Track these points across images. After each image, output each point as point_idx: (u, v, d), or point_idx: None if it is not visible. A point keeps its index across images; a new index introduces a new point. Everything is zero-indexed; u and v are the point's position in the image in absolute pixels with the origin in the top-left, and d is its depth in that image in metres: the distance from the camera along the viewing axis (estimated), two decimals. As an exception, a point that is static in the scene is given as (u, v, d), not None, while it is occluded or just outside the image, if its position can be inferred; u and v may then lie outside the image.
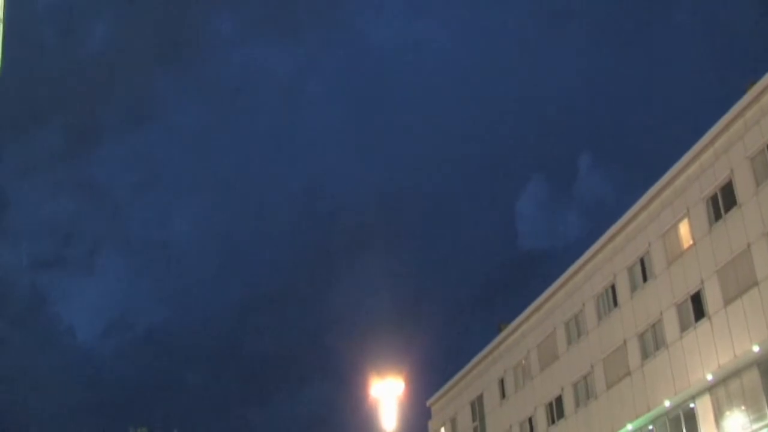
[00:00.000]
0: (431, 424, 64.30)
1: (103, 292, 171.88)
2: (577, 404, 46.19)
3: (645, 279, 41.58)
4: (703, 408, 36.93)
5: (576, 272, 47.34)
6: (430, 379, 65.49)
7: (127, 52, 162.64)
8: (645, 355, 40.86)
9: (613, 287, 44.02)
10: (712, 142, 37.61)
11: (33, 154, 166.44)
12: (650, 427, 40.44)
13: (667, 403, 38.72)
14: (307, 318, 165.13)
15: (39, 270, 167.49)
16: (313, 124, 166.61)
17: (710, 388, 36.52)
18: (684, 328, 38.28)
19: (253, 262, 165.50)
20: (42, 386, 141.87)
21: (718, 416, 36.04)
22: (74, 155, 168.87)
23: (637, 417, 40.76)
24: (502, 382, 54.77)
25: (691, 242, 38.58)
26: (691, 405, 37.71)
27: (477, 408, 57.77)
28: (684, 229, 39.28)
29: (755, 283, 34.24)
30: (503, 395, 54.51)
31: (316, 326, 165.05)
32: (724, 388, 35.87)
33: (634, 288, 42.35)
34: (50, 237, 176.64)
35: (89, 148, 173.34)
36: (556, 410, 48.36)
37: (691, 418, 37.79)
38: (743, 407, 34.74)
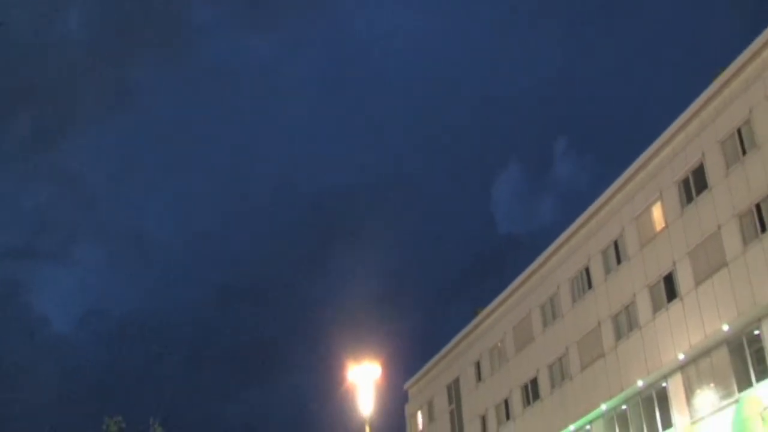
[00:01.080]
0: (408, 408, 64.93)
1: (78, 282, 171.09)
2: (553, 386, 46.91)
3: (619, 261, 42.29)
4: (675, 387, 37.71)
5: (551, 255, 48.03)
6: (407, 363, 66.19)
7: (103, 39, 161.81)
8: (618, 336, 41.58)
9: (587, 270, 44.71)
10: (684, 126, 38.30)
11: (6, 143, 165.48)
12: (623, 406, 41.19)
13: (640, 383, 39.46)
14: (285, 306, 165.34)
15: (13, 260, 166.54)
16: (293, 112, 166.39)
17: (682, 368, 37.30)
18: (656, 309, 39.03)
19: (230, 250, 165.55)
20: (16, 376, 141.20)
21: (689, 394, 36.84)
22: (48, 144, 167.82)
23: (611, 397, 41.50)
24: (478, 365, 55.44)
25: (663, 225, 39.30)
26: (663, 384, 38.48)
27: (453, 391, 58.46)
28: (657, 212, 40.00)
29: (725, 264, 35.00)
30: (479, 378, 55.19)
31: (294, 314, 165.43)
32: (695, 367, 36.66)
33: (608, 270, 43.05)
34: (24, 226, 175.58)
35: (63, 137, 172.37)
36: (531, 392, 49.08)
37: (663, 397, 38.56)
38: (713, 385, 35.54)
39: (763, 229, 33.47)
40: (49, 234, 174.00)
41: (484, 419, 54.19)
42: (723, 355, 35.13)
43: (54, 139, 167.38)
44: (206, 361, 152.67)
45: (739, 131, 35.28)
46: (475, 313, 56.62)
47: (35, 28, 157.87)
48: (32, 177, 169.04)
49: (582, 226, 45.46)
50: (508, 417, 51.39)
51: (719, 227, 35.64)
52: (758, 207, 33.86)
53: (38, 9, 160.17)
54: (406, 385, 65.28)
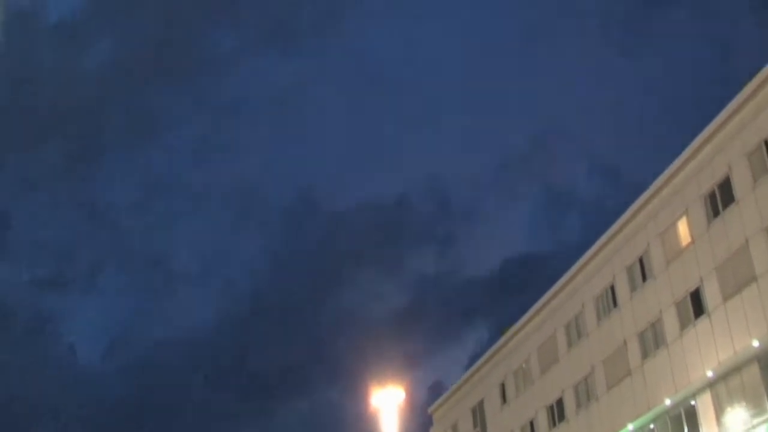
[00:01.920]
0: (433, 432, 64.16)
1: (105, 311, 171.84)
2: (578, 406, 46.08)
3: (644, 278, 41.58)
4: (704, 405, 36.86)
5: (575, 274, 47.35)
6: (431, 386, 65.53)
7: (127, 69, 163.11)
8: (645, 354, 40.80)
9: (612, 288, 44.02)
10: (709, 139, 37.71)
11: (33, 173, 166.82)
12: (651, 426, 40.33)
13: (667, 402, 38.64)
14: (308, 330, 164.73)
15: (40, 290, 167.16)
16: (313, 135, 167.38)
17: (711, 385, 36.47)
18: (684, 326, 38.26)
19: (253, 275, 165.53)
20: (44, 406, 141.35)
21: (719, 412, 35.95)
22: (74, 173, 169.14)
23: (638, 417, 40.65)
24: (503, 386, 54.68)
25: (689, 240, 38.60)
26: (692, 402, 37.63)
27: (478, 414, 57.64)
28: (682, 227, 39.32)
29: (754, 279, 34.26)
30: (504, 400, 54.40)
31: (317, 338, 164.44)
32: (725, 385, 35.81)
33: (633, 288, 42.35)
34: (51, 256, 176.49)
35: (89, 166, 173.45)
36: (557, 413, 48.25)
37: (692, 415, 37.70)
38: (744, 403, 34.67)
39: (793, 242, 32.77)
40: (75, 264, 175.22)
41: (509, 442, 53.35)
42: (753, 372, 34.28)
43: (80, 169, 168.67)
44: (231, 386, 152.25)
45: (766, 142, 34.62)
46: (501, 333, 55.94)
47: (62, 60, 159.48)
48: (59, 206, 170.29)
49: (606, 243, 44.81)
50: (533, 439, 50.56)
51: (747, 241, 34.93)
52: (787, 219, 33.17)
53: (65, 40, 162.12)
54: (430, 409, 64.51)
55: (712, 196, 37.55)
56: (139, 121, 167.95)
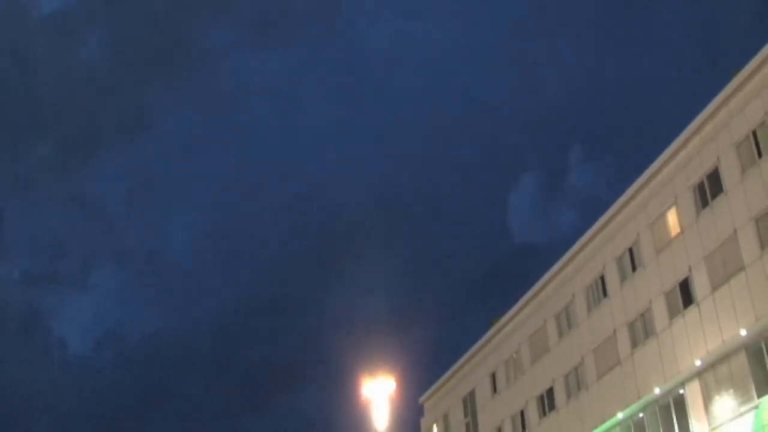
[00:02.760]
0: (424, 422, 64.44)
1: (97, 305, 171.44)
2: (568, 396, 46.38)
3: (634, 268, 41.87)
4: (693, 394, 37.16)
5: (566, 264, 47.63)
6: (423, 377, 65.76)
7: (119, 64, 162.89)
8: (635, 343, 41.10)
9: (602, 278, 44.30)
10: (698, 130, 37.96)
11: (26, 169, 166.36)
12: (641, 414, 40.64)
13: (657, 391, 38.93)
14: (301, 322, 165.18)
15: (32, 285, 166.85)
16: (308, 129, 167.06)
17: (699, 374, 36.75)
18: (673, 315, 38.56)
19: (247, 268, 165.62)
20: (36, 400, 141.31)
21: (707, 401, 36.26)
22: (67, 169, 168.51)
23: (627, 406, 40.96)
24: (493, 376, 54.98)
25: (678, 230, 38.88)
26: (681, 391, 37.92)
27: (469, 403, 57.97)
28: (672, 217, 39.60)
29: (742, 268, 34.54)
30: (495, 390, 54.71)
31: (310, 330, 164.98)
32: (713, 373, 36.12)
33: (623, 278, 42.63)
34: (44, 252, 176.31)
35: (82, 162, 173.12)
36: (547, 402, 48.56)
37: (680, 404, 38.01)
38: (731, 391, 34.98)
39: (780, 232, 33.05)
40: (68, 259, 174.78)
41: (500, 431, 53.65)
42: (741, 361, 34.57)
43: (72, 164, 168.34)
44: (224, 380, 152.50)
45: (754, 133, 34.90)
46: (491, 324, 56.20)
47: (54, 55, 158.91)
48: (51, 202, 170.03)
49: (596, 234, 45.09)
50: (524, 428, 50.86)
51: (735, 231, 35.21)
52: (775, 209, 33.44)
53: (57, 36, 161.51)
54: (421, 399, 64.81)
55: (701, 186, 37.82)
56: (132, 115, 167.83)
